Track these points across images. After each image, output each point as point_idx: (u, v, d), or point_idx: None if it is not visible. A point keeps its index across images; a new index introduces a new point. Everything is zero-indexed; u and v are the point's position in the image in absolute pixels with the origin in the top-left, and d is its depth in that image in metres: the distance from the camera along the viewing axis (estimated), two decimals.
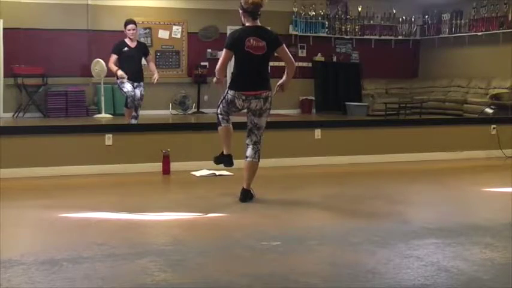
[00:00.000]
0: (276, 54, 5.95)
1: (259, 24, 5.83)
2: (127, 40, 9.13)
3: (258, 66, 5.83)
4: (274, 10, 14.11)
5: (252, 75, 5.82)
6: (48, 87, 12.75)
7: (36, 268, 3.82)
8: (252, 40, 5.72)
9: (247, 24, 5.81)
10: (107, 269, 3.87)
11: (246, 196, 5.95)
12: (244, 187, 5.97)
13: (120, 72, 8.97)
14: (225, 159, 6.13)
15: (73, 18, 12.95)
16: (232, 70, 6.04)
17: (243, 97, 5.80)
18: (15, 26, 12.51)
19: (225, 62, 5.83)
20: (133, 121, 9.12)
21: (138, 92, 9.16)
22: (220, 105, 5.96)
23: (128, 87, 9.06)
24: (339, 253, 4.30)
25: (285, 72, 6.00)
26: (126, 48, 9.09)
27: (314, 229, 5.05)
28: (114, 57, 9.09)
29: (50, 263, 3.92)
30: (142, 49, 9.40)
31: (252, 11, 5.74)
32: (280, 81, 5.99)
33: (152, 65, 9.59)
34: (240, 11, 5.83)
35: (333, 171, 8.07)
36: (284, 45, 5.92)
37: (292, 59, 6.02)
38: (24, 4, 12.61)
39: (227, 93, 5.90)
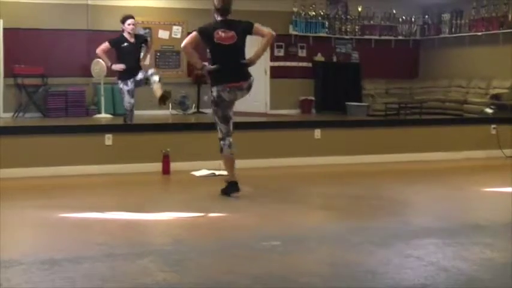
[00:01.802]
0: (255, 35, 6.04)
1: (228, 18, 6.02)
2: (126, 35, 8.80)
3: (233, 56, 5.96)
4: (274, 10, 14.13)
5: (229, 66, 5.94)
6: (48, 87, 12.73)
7: (36, 268, 3.82)
8: (220, 32, 5.91)
9: (217, 19, 6.03)
10: (107, 269, 3.88)
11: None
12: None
13: (116, 66, 8.68)
14: (232, 188, 6.17)
15: (73, 18, 12.93)
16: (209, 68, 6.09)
17: (227, 89, 5.93)
18: (15, 26, 12.49)
19: (190, 42, 5.92)
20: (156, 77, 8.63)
21: (140, 75, 8.61)
22: (217, 122, 6.06)
23: (126, 100, 8.63)
24: (339, 253, 4.30)
25: (260, 45, 6.06)
26: (125, 44, 8.77)
27: (314, 229, 5.05)
28: (106, 45, 8.76)
29: (50, 263, 3.92)
30: (141, 41, 9.11)
31: (223, 8, 5.97)
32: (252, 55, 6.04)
33: (147, 53, 9.33)
34: (213, 9, 6.06)
35: (333, 171, 8.07)
36: (256, 24, 6.05)
37: (269, 30, 6.11)
38: (24, 4, 12.60)
39: (212, 93, 6.02)
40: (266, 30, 6.08)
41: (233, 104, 6.10)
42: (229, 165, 6.16)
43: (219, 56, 5.97)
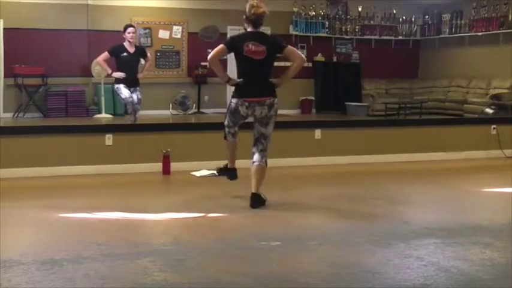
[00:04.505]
0: (284, 56, 5.83)
1: (259, 30, 5.81)
2: (126, 44, 9.00)
3: (260, 72, 5.76)
4: (274, 10, 13.98)
5: (253, 82, 5.75)
6: (48, 87, 12.74)
7: (36, 268, 3.82)
8: (250, 45, 5.66)
9: (248, 29, 5.83)
10: (107, 269, 3.88)
11: (256, 201, 5.79)
12: (253, 191, 5.83)
13: (116, 74, 9.00)
14: (229, 173, 6.11)
15: (73, 18, 12.93)
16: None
17: (246, 104, 5.73)
18: (15, 26, 12.50)
19: (217, 54, 5.68)
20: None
21: (135, 96, 9.12)
22: (227, 116, 5.96)
23: (125, 93, 9.04)
24: (339, 253, 4.30)
25: (288, 69, 5.81)
26: (125, 54, 8.98)
27: (314, 229, 5.05)
28: (106, 55, 9.05)
29: (50, 263, 3.92)
30: (140, 53, 9.32)
31: (254, 21, 5.76)
32: (279, 79, 5.86)
33: (146, 65, 9.58)
34: (244, 17, 5.82)
35: (333, 171, 8.07)
36: (289, 46, 5.83)
37: (301, 55, 5.91)
38: (24, 4, 12.60)
39: (231, 102, 5.88)
40: (298, 54, 5.84)
41: (245, 119, 5.88)
42: (232, 151, 6.06)
43: (245, 69, 5.75)
